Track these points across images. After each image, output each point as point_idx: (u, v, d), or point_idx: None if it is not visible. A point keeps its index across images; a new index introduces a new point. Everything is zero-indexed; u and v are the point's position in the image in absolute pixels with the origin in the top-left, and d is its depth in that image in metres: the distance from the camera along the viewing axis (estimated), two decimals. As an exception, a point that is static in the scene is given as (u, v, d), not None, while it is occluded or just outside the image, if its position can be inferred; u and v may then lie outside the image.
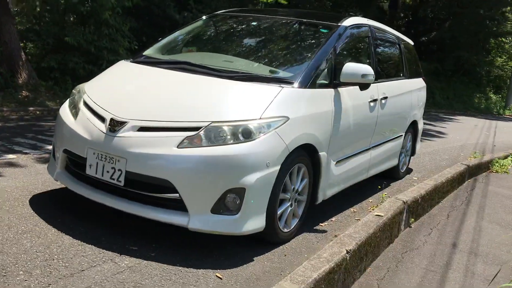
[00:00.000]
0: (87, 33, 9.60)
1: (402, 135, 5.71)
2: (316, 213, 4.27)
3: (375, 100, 4.68)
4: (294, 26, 4.46)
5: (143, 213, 3.15)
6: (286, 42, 4.28)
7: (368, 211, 4.58)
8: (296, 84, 3.58)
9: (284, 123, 3.31)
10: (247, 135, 3.16)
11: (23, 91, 8.75)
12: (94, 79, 3.96)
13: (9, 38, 9.00)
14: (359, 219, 4.29)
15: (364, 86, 4.09)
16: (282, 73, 3.77)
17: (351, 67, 3.93)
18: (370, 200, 4.97)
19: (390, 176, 5.86)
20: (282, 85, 3.51)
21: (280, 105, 3.37)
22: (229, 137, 3.13)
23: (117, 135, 3.20)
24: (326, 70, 3.92)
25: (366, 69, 3.98)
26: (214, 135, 3.12)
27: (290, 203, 3.57)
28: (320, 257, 3.15)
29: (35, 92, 8.88)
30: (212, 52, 4.36)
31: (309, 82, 3.68)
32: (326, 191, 4.04)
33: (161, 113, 3.27)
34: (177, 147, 3.08)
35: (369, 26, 4.91)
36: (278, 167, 3.25)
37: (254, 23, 4.55)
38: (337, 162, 4.13)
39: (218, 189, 3.06)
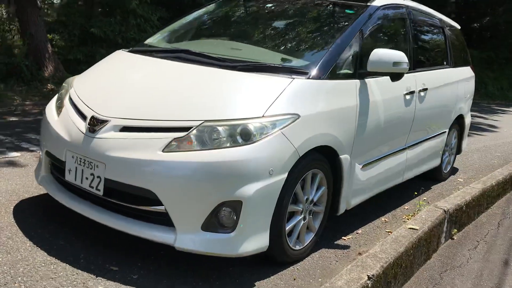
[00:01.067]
0: (114, 24, 9.29)
1: (445, 132, 5.01)
2: (339, 224, 3.70)
3: (412, 93, 4.03)
4: (316, 7, 3.86)
5: (125, 227, 2.69)
6: (305, 26, 3.70)
7: (402, 221, 3.96)
8: (311, 75, 3.01)
9: (293, 121, 2.75)
10: (247, 136, 2.62)
11: (49, 84, 8.54)
12: (85, 71, 3.52)
13: (35, 30, 8.80)
14: (390, 232, 3.68)
15: (396, 76, 3.46)
16: (295, 62, 3.20)
17: (380, 54, 3.31)
18: (406, 207, 4.34)
19: (431, 177, 5.18)
20: (293, 76, 2.95)
21: (289, 100, 2.81)
22: (224, 139, 2.61)
23: (96, 136, 2.74)
24: (350, 57, 3.32)
25: (398, 56, 3.35)
26: (207, 136, 2.61)
27: (302, 216, 3.02)
28: (333, 286, 2.59)
29: (61, 86, 8.65)
30: (221, 38, 3.83)
31: (328, 72, 3.09)
32: (350, 200, 3.45)
33: (148, 110, 2.78)
34: (163, 151, 2.58)
35: (407, 7, 4.24)
36: (284, 175, 2.70)
37: (270, 5, 3.98)
38: (364, 165, 3.53)
39: (210, 202, 2.55)
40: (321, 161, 3.07)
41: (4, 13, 9.69)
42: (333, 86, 3.12)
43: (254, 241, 2.64)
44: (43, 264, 2.66)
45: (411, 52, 4.12)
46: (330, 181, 3.21)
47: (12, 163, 4.46)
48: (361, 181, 3.52)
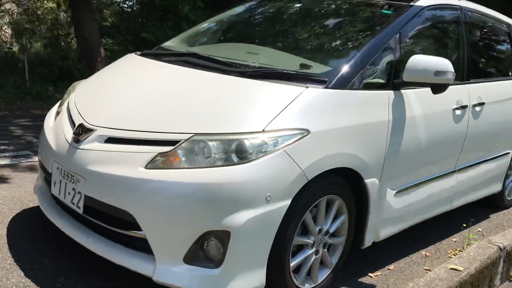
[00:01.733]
0: (166, 29, 9.20)
1: (509, 153, 4.33)
2: (369, 256, 3.20)
3: (463, 107, 3.45)
4: (351, 7, 3.39)
5: (101, 250, 2.37)
6: (336, 27, 3.24)
7: (447, 257, 3.39)
8: (331, 83, 2.55)
9: (301, 138, 2.32)
10: (242, 154, 2.22)
11: (99, 88, 8.56)
12: (92, 76, 3.27)
13: (89, 33, 8.89)
14: (428, 270, 3.13)
15: (438, 88, 2.91)
16: (315, 68, 2.76)
17: (419, 61, 2.79)
18: (454, 240, 3.74)
19: (490, 204, 4.51)
20: (308, 85, 2.51)
21: (299, 113, 2.38)
22: (217, 156, 2.22)
23: (80, 146, 2.45)
24: (383, 65, 2.83)
25: (441, 64, 2.82)
26: (197, 152, 2.24)
27: (314, 249, 2.56)
28: None
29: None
30: (244, 41, 3.45)
31: (352, 81, 2.62)
32: (379, 231, 2.94)
33: (137, 119, 2.45)
34: (145, 167, 2.24)
35: (461, 8, 3.66)
36: (287, 202, 2.27)
37: (299, 5, 3.56)
38: (398, 191, 3.01)
39: (194, 230, 2.17)
40: (340, 186, 2.60)
41: (63, 17, 9.89)
42: (359, 98, 2.65)
43: (245, 278, 2.22)
44: (14, 287, 2.40)
45: (464, 61, 3.54)
46: (353, 209, 2.74)
47: (31, 168, 4.32)
48: (394, 209, 3.00)
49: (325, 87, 2.53)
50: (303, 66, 2.79)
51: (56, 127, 2.77)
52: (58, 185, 2.56)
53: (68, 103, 2.92)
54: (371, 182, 2.73)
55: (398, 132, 2.85)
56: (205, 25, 3.77)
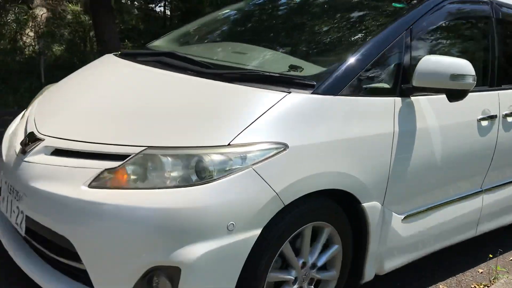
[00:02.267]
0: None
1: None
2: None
3: (492, 117, 2.94)
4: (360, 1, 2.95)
5: (39, 279, 2.02)
6: (339, 22, 2.80)
7: (470, 292, 2.89)
8: (320, 88, 2.13)
9: (276, 154, 1.91)
10: (202, 173, 1.84)
11: (117, 92, 8.37)
12: (65, 78, 2.95)
13: (108, 37, 8.71)
14: (444, 310, 2.65)
15: (455, 95, 2.43)
16: (307, 70, 2.34)
17: (431, 63, 2.33)
18: (480, 271, 3.22)
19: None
20: (291, 90, 2.10)
21: (276, 124, 1.97)
22: (172, 174, 1.84)
23: (25, 158, 2.12)
24: (388, 67, 2.39)
25: (459, 66, 2.35)
26: (148, 169, 1.87)
27: (297, 286, 2.14)
28: None
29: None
30: (237, 39, 3.05)
31: (347, 86, 2.19)
32: (383, 263, 2.49)
33: (90, 128, 2.10)
34: (89, 185, 1.88)
35: (491, 2, 3.14)
36: (256, 231, 1.87)
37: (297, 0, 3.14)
38: (407, 216, 2.55)
39: (139, 264, 1.79)
40: (330, 211, 2.18)
41: (86, 19, 9.80)
42: (355, 105, 2.21)
43: (201, 324, 1.83)
44: None
45: (494, 64, 3.03)
46: (348, 238, 2.30)
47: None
48: (402, 237, 2.54)
49: (313, 93, 2.11)
50: (292, 67, 2.38)
51: (12, 135, 2.47)
52: (5, 201, 2.25)
53: (30, 109, 2.62)
54: (370, 206, 2.29)
55: (406, 147, 2.40)
56: (200, 23, 3.41)
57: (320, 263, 2.23)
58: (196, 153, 1.84)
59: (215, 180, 1.80)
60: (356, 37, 2.55)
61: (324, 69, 2.27)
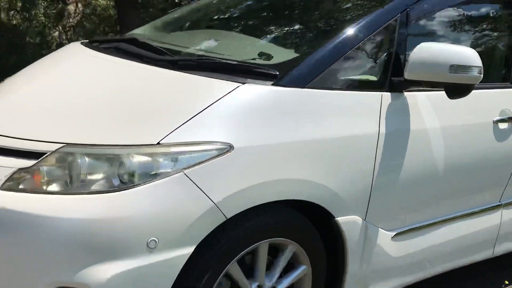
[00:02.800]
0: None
1: None
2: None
3: (512, 119, 2.50)
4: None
5: None
6: (324, 4, 2.43)
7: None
8: (283, 79, 1.78)
9: (217, 157, 1.58)
10: (123, 177, 1.53)
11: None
12: (28, 66, 2.71)
13: (133, 32, 8.58)
14: None
15: (457, 90, 2.01)
16: (277, 58, 1.99)
17: (428, 51, 1.93)
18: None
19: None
20: (248, 80, 1.76)
21: (220, 120, 1.63)
22: (90, 177, 1.55)
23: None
24: (375, 55, 2.01)
25: (461, 55, 1.93)
26: (65, 170, 1.58)
27: (249, 314, 1.81)
28: None
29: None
30: (220, 26, 2.72)
31: (319, 76, 1.82)
32: (368, 287, 2.12)
33: (17, 121, 1.83)
34: (1, 187, 1.61)
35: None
36: (187, 250, 1.54)
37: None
38: (399, 234, 2.16)
39: (41, 284, 1.50)
40: (294, 225, 1.83)
41: (113, 13, 9.72)
42: (328, 100, 1.85)
43: None
44: None
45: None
46: (320, 257, 1.94)
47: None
48: (392, 258, 2.15)
49: (274, 84, 1.76)
50: (262, 55, 2.04)
51: None
52: None
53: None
54: (347, 220, 1.92)
55: (396, 151, 2.01)
56: (186, 9, 3.11)
57: (285, 286, 1.88)
58: (118, 153, 1.54)
59: (136, 186, 1.50)
60: (343, 19, 2.18)
61: (287, 59, 1.92)
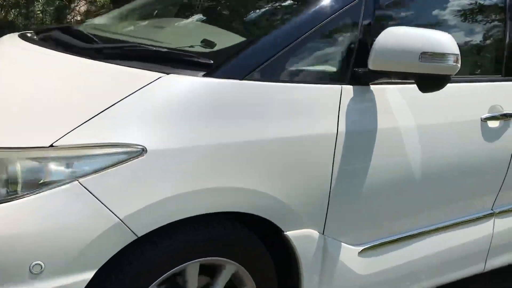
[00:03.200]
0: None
1: None
2: None
3: (506, 116, 2.19)
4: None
5: None
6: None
7: None
8: (218, 70, 1.50)
9: (124, 162, 1.31)
10: (8, 185, 1.27)
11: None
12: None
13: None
14: None
15: (430, 83, 1.70)
16: (219, 47, 1.72)
17: (395, 36, 1.64)
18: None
19: None
20: (174, 71, 1.48)
21: (132, 118, 1.36)
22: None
23: None
24: (335, 42, 1.73)
25: (435, 40, 1.62)
26: None
27: None
28: None
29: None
30: (171, 14, 2.45)
31: (261, 67, 1.54)
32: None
33: None
34: None
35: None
36: (85, 275, 1.27)
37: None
38: (368, 248, 1.87)
39: None
40: (233, 242, 1.56)
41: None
42: (274, 95, 1.56)
43: None
44: None
45: (508, 45, 2.27)
46: (269, 277, 1.67)
47: None
48: (359, 276, 1.86)
49: (206, 75, 1.49)
50: (205, 42, 1.76)
51: None
52: None
53: None
54: (300, 235, 1.64)
55: (358, 153, 1.72)
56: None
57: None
58: (3, 156, 1.28)
59: (19, 198, 1.23)
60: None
61: (225, 46, 1.64)
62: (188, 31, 1.99)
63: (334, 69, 1.71)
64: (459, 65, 1.64)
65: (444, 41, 1.63)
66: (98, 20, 2.52)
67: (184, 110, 1.41)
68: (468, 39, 2.17)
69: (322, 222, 1.70)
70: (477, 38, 2.21)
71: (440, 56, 1.62)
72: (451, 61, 1.63)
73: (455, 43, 1.64)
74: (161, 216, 1.35)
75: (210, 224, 1.49)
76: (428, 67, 1.63)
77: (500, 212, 2.37)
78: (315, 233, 1.69)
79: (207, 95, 1.46)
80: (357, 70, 1.72)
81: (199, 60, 1.51)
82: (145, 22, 2.30)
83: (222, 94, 1.48)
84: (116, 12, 2.58)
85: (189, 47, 1.69)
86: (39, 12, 9.56)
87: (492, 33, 2.27)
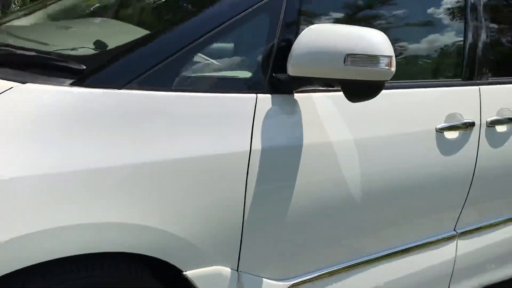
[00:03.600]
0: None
1: None
2: None
3: (466, 126, 1.92)
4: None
5: None
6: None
7: None
8: (90, 77, 1.22)
9: None
10: None
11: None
12: None
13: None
14: None
15: (358, 91, 1.43)
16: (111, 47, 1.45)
17: (315, 34, 1.37)
18: None
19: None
20: (40, 77, 1.20)
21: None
22: None
23: None
24: (249, 42, 1.47)
25: (364, 39, 1.35)
26: None
27: None
28: None
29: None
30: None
31: (147, 72, 1.27)
32: None
33: None
34: None
35: None
36: None
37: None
38: (299, 283, 1.60)
39: None
40: (119, 285, 1.29)
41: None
42: (164, 106, 1.28)
43: None
44: None
45: (470, 45, 1.99)
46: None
47: None
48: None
49: (75, 83, 1.21)
50: (97, 44, 1.49)
51: None
52: None
53: None
54: (204, 274, 1.37)
55: (279, 174, 1.45)
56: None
57: None
58: None
59: None
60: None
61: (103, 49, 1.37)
62: (93, 31, 1.72)
63: (247, 75, 1.44)
64: (393, 69, 1.37)
65: (375, 41, 1.35)
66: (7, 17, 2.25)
67: (39, 128, 1.13)
68: (420, 39, 1.91)
69: (235, 257, 1.43)
70: (432, 39, 1.94)
71: (370, 59, 1.35)
72: (383, 64, 1.36)
73: (389, 43, 1.37)
74: (6, 260, 1.08)
75: (93, 266, 1.22)
76: (356, 72, 1.35)
77: (463, 233, 2.11)
78: (225, 270, 1.41)
79: (72, 108, 1.18)
80: (276, 76, 1.45)
81: (68, 65, 1.24)
82: (53, 21, 2.02)
83: (93, 106, 1.20)
84: (31, 7, 2.31)
85: (71, 49, 1.41)
86: None
87: (450, 33, 2.01)
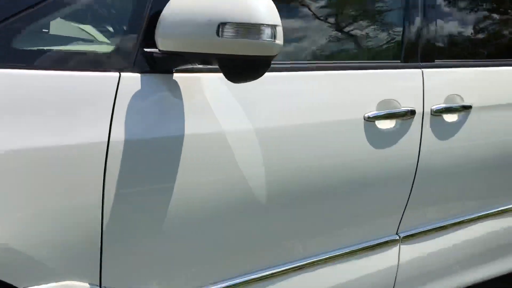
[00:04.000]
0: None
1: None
2: None
3: (406, 115, 1.66)
4: None
5: None
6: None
7: None
8: None
9: None
10: None
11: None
12: None
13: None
14: None
15: (238, 69, 1.18)
16: None
17: (184, 1, 1.12)
18: None
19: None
20: None
21: None
22: None
23: None
24: (109, 7, 1.21)
25: (242, 4, 1.10)
26: None
27: None
28: None
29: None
30: None
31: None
32: None
33: None
34: None
35: None
36: None
37: None
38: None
39: None
40: None
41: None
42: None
43: None
44: None
45: (412, 20, 1.74)
46: None
47: None
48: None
49: None
50: None
51: None
52: None
53: None
54: (49, 292, 1.13)
55: (149, 171, 1.21)
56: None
57: None
58: None
59: None
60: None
61: None
62: None
63: (108, 49, 1.18)
64: (279, 42, 1.11)
65: (256, 6, 1.09)
66: None
67: None
68: (354, 15, 1.65)
69: (95, 270, 1.19)
70: (368, 14, 1.69)
71: (249, 29, 1.09)
72: (266, 36, 1.10)
73: (274, 9, 1.11)
74: None
75: None
76: (233, 45, 1.10)
77: (407, 237, 1.85)
78: (81, 286, 1.17)
79: None
80: (149, 52, 1.19)
81: None
82: None
83: None
84: None
85: None
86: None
87: (388, 7, 1.75)
